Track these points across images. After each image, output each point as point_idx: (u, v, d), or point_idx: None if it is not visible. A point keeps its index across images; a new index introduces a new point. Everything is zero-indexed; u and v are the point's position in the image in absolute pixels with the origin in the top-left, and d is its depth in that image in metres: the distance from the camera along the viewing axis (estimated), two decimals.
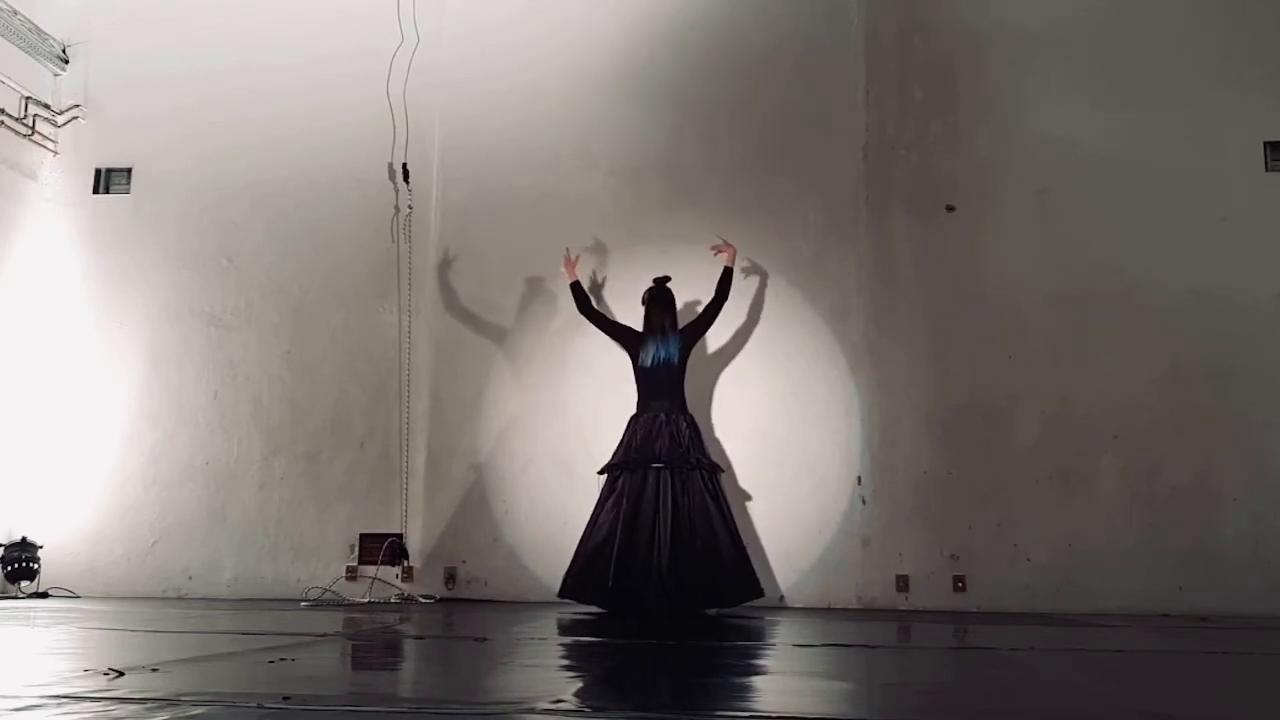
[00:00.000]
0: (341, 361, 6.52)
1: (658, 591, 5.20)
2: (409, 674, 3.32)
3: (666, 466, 5.38)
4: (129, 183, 6.88)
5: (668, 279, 5.79)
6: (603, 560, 5.31)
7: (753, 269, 6.21)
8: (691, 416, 5.64)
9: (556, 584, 5.51)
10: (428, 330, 6.49)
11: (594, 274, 6.24)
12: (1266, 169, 6.17)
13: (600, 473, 5.60)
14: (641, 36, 6.60)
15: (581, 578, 5.39)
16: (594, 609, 5.40)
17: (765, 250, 6.26)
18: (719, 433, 6.11)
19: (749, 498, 6.02)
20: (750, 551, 5.89)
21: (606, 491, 5.51)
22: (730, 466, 6.04)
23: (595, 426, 5.86)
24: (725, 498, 5.57)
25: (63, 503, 6.44)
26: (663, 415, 5.53)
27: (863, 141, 6.38)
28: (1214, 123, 6.21)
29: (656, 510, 5.31)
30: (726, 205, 6.35)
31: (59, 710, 2.15)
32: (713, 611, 5.36)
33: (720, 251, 5.84)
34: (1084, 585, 5.81)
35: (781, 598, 5.93)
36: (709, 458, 5.60)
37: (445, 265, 6.50)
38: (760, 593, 5.50)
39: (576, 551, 5.46)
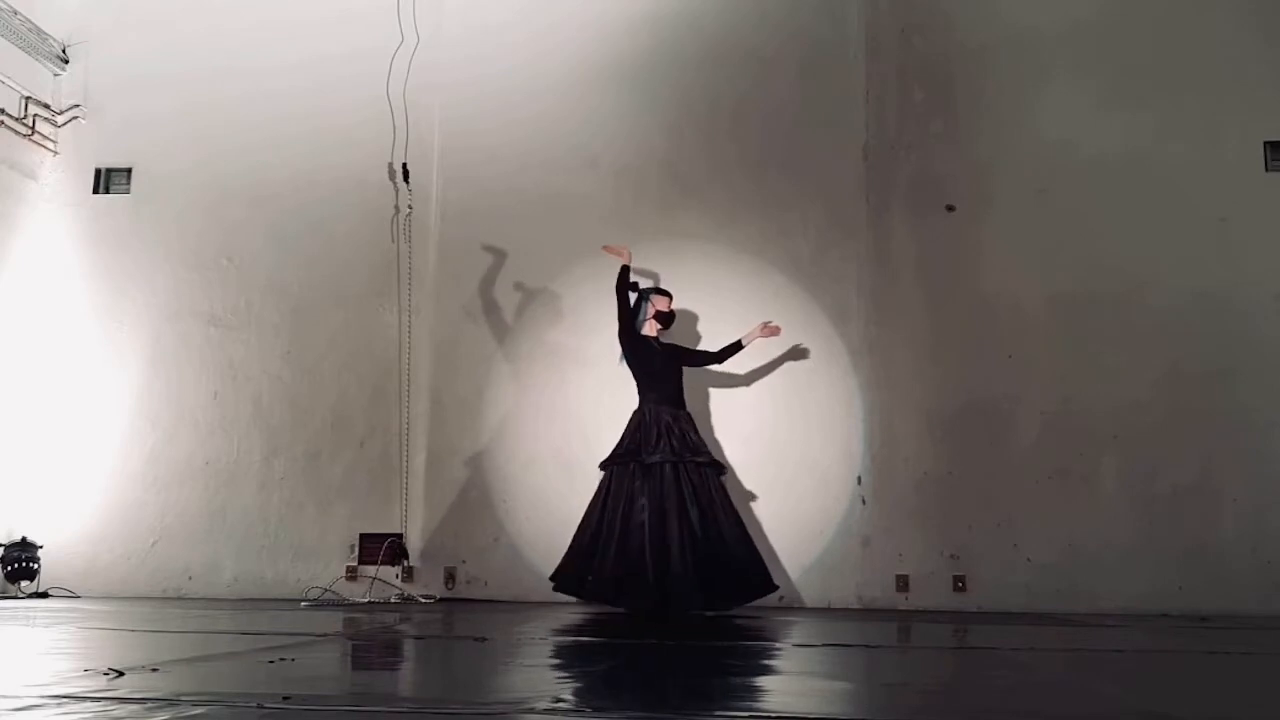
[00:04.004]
0: (341, 361, 6.52)
1: (661, 588, 5.18)
2: (409, 674, 3.32)
3: (676, 462, 5.36)
4: (129, 183, 6.88)
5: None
6: (601, 554, 5.29)
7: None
8: (689, 413, 5.63)
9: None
10: (428, 330, 6.49)
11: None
12: (1266, 169, 6.18)
13: (601, 466, 5.58)
14: (642, 36, 6.60)
15: (581, 571, 5.37)
16: (595, 606, 5.40)
17: (766, 249, 6.27)
18: (718, 433, 6.11)
19: (751, 498, 6.02)
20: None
21: (605, 485, 5.48)
22: (731, 467, 6.04)
23: (596, 426, 5.85)
24: (728, 495, 5.55)
25: (63, 503, 6.44)
26: (653, 409, 5.52)
27: (863, 141, 6.38)
28: (1214, 123, 6.21)
29: (658, 505, 5.27)
30: (727, 205, 6.36)
31: (59, 710, 2.15)
32: (710, 613, 5.35)
33: (769, 332, 5.77)
34: (1084, 585, 5.81)
35: (781, 598, 5.92)
36: (710, 454, 5.59)
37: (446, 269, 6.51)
38: (774, 587, 5.48)
39: (574, 544, 5.44)
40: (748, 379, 6.19)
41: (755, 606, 5.62)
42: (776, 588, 5.52)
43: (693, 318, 6.15)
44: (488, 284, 6.47)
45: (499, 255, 6.46)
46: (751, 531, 5.91)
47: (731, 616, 5.27)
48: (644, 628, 4.63)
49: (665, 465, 5.36)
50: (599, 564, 5.30)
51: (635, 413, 5.59)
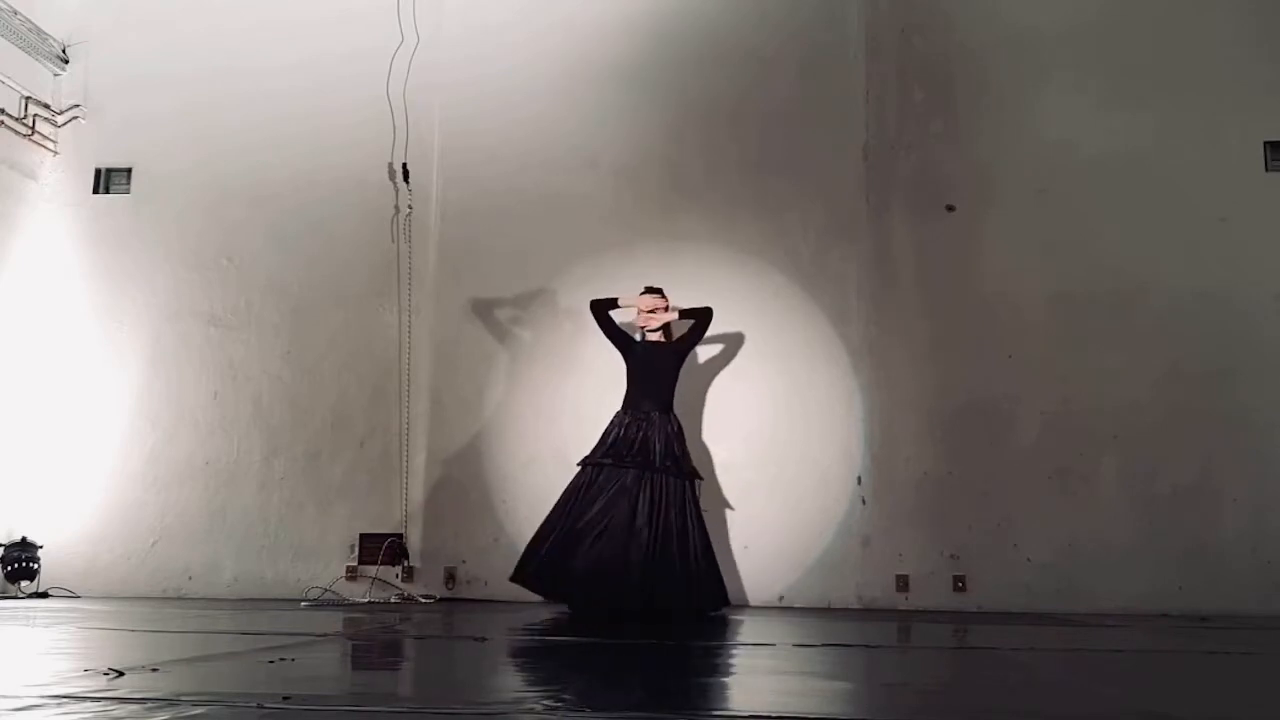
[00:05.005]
0: (341, 361, 6.51)
1: (630, 592, 5.09)
2: (409, 674, 3.32)
3: (651, 469, 5.29)
4: (129, 183, 6.87)
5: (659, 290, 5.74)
6: (567, 553, 5.20)
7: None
8: (677, 419, 5.55)
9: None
10: (428, 330, 6.49)
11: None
12: (1266, 169, 6.18)
13: (580, 464, 5.44)
14: (642, 36, 6.60)
15: (543, 568, 5.27)
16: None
17: (766, 249, 6.27)
18: (718, 432, 6.11)
19: (748, 497, 6.02)
20: (750, 551, 5.94)
21: (584, 484, 5.35)
22: (730, 466, 6.05)
23: (596, 426, 5.80)
24: (699, 505, 5.47)
25: (63, 503, 6.43)
26: (635, 412, 5.45)
27: (863, 141, 6.38)
28: (1214, 123, 6.21)
29: (636, 510, 5.19)
30: (727, 205, 6.35)
31: (59, 710, 2.15)
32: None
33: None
34: (1084, 585, 5.81)
35: (781, 598, 5.93)
36: (688, 464, 5.50)
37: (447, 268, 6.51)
38: (728, 602, 5.43)
39: (545, 538, 5.30)
40: (747, 378, 6.18)
41: (756, 606, 5.62)
42: (729, 604, 5.44)
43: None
44: (488, 284, 6.46)
45: (499, 255, 6.46)
46: (751, 532, 5.95)
47: (730, 616, 5.27)
48: (643, 629, 4.63)
49: (641, 472, 5.27)
50: (565, 564, 5.21)
51: (617, 414, 5.50)
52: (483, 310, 6.47)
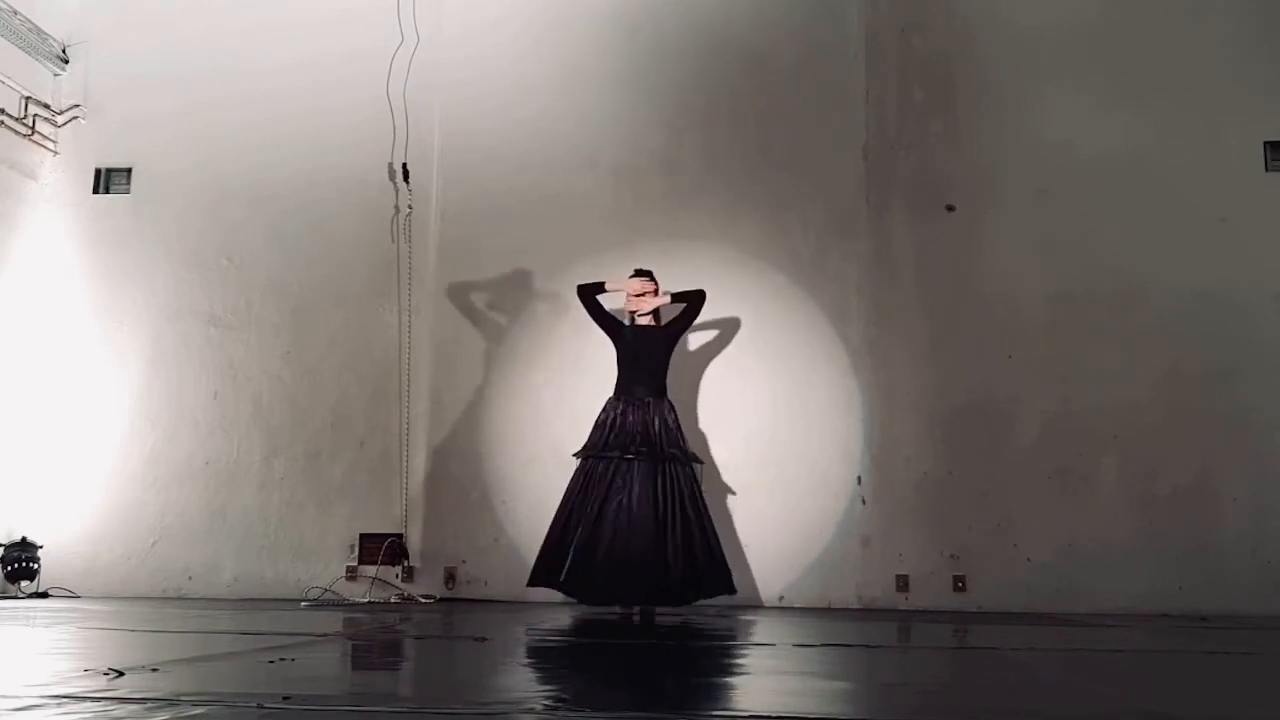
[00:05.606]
0: (341, 361, 6.51)
1: (642, 582, 5.10)
2: (409, 674, 3.32)
3: (654, 457, 5.27)
4: (129, 183, 6.87)
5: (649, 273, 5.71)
6: (604, 551, 5.17)
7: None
8: (672, 404, 5.51)
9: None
10: (428, 330, 6.49)
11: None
12: (1266, 169, 6.18)
13: (576, 455, 5.43)
14: (642, 36, 6.60)
15: (552, 565, 5.25)
16: (596, 605, 5.36)
17: (765, 249, 6.27)
18: (718, 432, 6.11)
19: (747, 497, 6.01)
20: (749, 550, 5.94)
21: (592, 477, 5.32)
22: (729, 465, 6.04)
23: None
24: (701, 489, 5.47)
25: (63, 503, 6.43)
26: (627, 398, 5.43)
27: (863, 141, 6.38)
28: (1214, 123, 6.21)
29: (656, 502, 5.18)
30: (726, 204, 6.36)
31: (59, 710, 2.15)
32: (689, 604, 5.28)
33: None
34: (1084, 585, 5.81)
35: (781, 598, 5.93)
36: (686, 448, 5.47)
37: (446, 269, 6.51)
38: (732, 590, 5.38)
39: (555, 538, 5.28)
40: (747, 378, 6.18)
41: (755, 606, 5.61)
42: (734, 590, 5.39)
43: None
44: (488, 284, 6.47)
45: (499, 255, 6.46)
46: (750, 531, 5.95)
47: (730, 616, 5.27)
48: (642, 628, 4.63)
49: (651, 463, 5.25)
50: (593, 563, 5.18)
51: (609, 401, 5.46)
52: (482, 309, 6.46)
